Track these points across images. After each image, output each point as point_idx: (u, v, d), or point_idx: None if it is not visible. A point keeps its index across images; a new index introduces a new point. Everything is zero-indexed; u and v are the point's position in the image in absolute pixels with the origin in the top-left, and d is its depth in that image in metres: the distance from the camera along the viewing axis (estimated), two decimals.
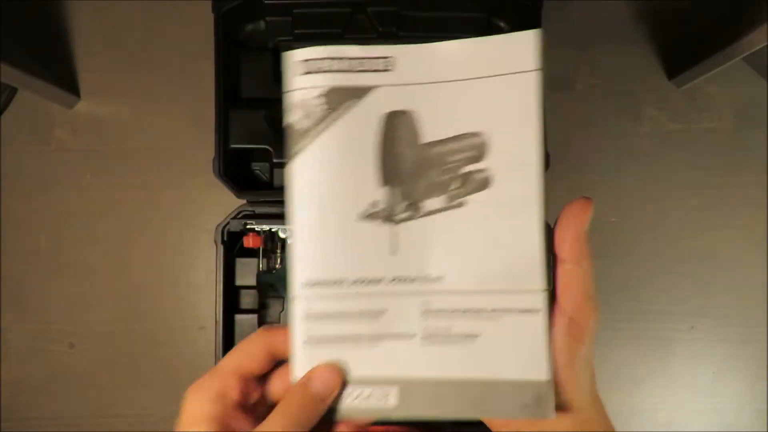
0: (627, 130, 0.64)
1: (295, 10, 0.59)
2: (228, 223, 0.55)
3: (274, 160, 0.59)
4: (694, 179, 0.64)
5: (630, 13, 0.65)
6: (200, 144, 0.59)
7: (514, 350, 0.26)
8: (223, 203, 0.57)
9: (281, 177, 0.60)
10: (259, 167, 0.62)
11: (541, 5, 0.57)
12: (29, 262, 0.65)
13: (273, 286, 0.53)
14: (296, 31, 0.60)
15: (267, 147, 0.58)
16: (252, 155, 0.61)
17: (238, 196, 0.56)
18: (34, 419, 0.64)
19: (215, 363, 0.54)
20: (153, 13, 0.66)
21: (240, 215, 0.55)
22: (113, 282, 0.64)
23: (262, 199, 0.56)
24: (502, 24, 0.61)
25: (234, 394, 0.25)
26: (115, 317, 0.64)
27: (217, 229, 0.55)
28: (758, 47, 0.51)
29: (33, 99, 0.64)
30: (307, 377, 0.25)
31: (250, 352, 0.27)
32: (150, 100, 0.65)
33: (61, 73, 0.65)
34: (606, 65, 0.65)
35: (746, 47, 0.52)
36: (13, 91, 0.65)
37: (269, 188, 0.60)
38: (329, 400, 0.24)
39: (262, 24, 0.61)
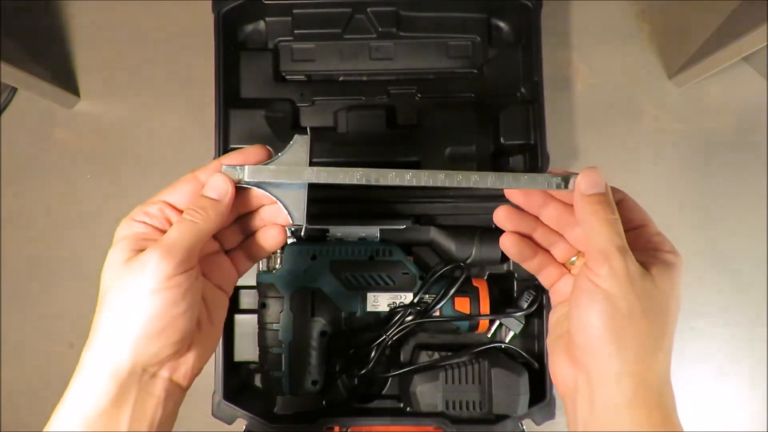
0: (627, 130, 0.64)
1: (295, 10, 0.59)
2: None
3: None
4: (694, 179, 0.64)
5: (630, 13, 0.65)
6: (200, 144, 0.59)
7: None
8: None
9: None
10: None
11: (541, 5, 0.57)
12: (29, 262, 0.65)
13: (273, 286, 0.53)
14: (296, 32, 0.60)
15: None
16: None
17: None
18: (34, 419, 0.64)
19: (215, 363, 0.54)
20: (153, 13, 0.66)
21: None
22: None
23: None
24: (501, 24, 0.61)
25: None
26: None
27: None
28: (758, 47, 0.51)
29: (33, 99, 0.64)
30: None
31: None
32: (150, 100, 0.65)
33: (61, 73, 0.65)
34: (606, 65, 0.65)
35: (746, 47, 0.52)
36: (13, 91, 0.65)
37: None
38: (226, 200, 0.32)
39: (262, 24, 0.61)
